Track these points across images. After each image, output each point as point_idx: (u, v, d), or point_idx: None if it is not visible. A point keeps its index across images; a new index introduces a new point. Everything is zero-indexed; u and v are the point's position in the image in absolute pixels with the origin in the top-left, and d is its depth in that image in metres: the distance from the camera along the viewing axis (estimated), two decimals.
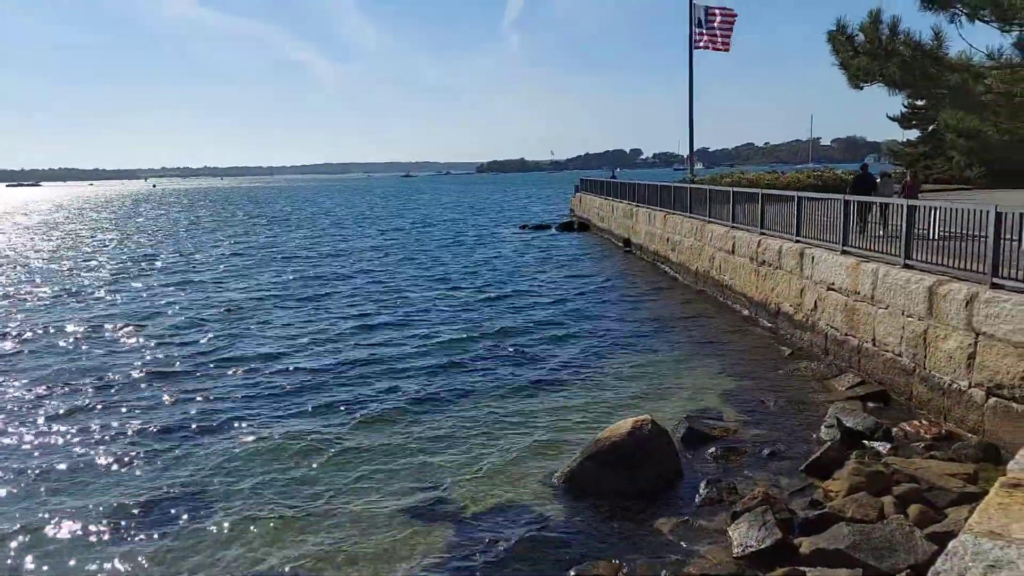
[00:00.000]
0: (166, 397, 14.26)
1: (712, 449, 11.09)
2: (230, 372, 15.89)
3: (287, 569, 8.31)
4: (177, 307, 23.80)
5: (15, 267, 35.55)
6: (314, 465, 11.02)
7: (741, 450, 11.12)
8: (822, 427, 11.65)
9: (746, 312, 20.23)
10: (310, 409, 13.47)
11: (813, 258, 16.27)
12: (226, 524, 9.32)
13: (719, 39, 37.22)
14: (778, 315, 18.10)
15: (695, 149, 45.03)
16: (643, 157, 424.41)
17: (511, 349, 17.61)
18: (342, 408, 13.48)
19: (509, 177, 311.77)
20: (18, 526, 9.42)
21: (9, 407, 13.92)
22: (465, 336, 18.91)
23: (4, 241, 51.09)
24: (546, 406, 13.48)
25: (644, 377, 15.16)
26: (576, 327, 19.96)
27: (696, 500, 9.52)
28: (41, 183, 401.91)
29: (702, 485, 9.75)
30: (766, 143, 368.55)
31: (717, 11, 37.33)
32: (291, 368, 16.08)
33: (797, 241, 17.48)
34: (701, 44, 37.58)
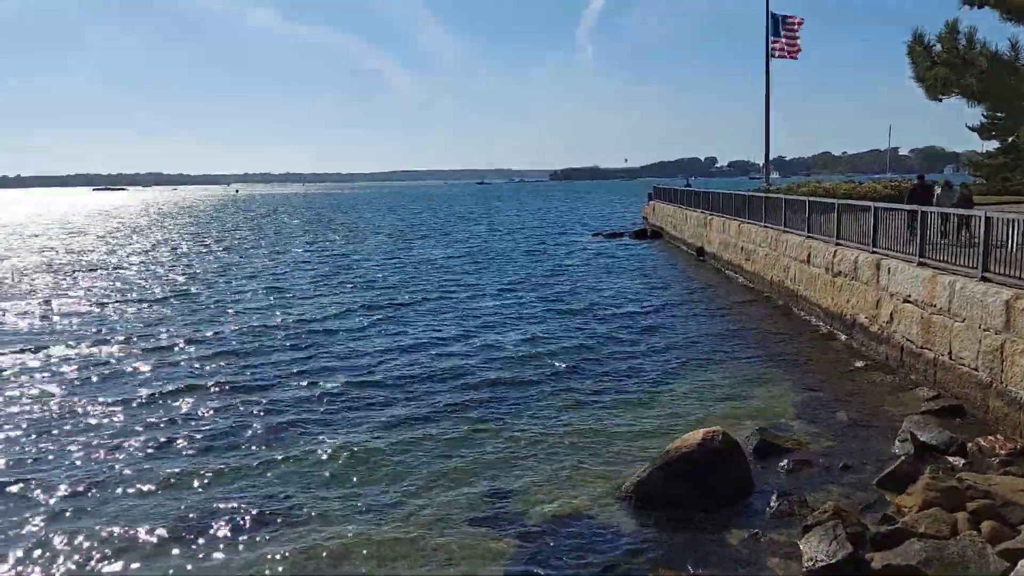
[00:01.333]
0: (241, 407, 14.50)
1: (783, 462, 11.07)
2: (304, 383, 16.03)
3: (358, 570, 8.63)
4: (257, 315, 24.34)
5: (99, 273, 37.01)
6: (384, 471, 11.28)
7: (813, 463, 11.07)
8: (896, 441, 11.50)
9: (820, 323, 19.97)
10: (384, 420, 13.66)
11: (889, 269, 16.01)
12: (299, 528, 9.66)
13: (792, 46, 36.79)
14: (853, 327, 17.83)
15: (771, 158, 44.42)
16: (718, 165, 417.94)
17: (583, 359, 17.71)
18: (415, 418, 13.68)
19: (582, 184, 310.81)
20: (105, 530, 9.84)
21: (78, 412, 14.51)
22: (538, 347, 18.99)
23: (86, 246, 53.29)
24: (616, 416, 13.57)
25: (716, 388, 15.14)
26: (647, 337, 19.99)
27: (767, 513, 9.54)
28: (127, 187, 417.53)
29: (773, 498, 9.76)
30: (843, 152, 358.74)
31: (791, 20, 36.89)
32: (365, 379, 16.25)
33: (873, 252, 17.21)
34: (777, 53, 37.17)
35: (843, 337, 18.35)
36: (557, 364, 17.21)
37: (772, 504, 9.64)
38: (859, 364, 16.20)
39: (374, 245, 50.68)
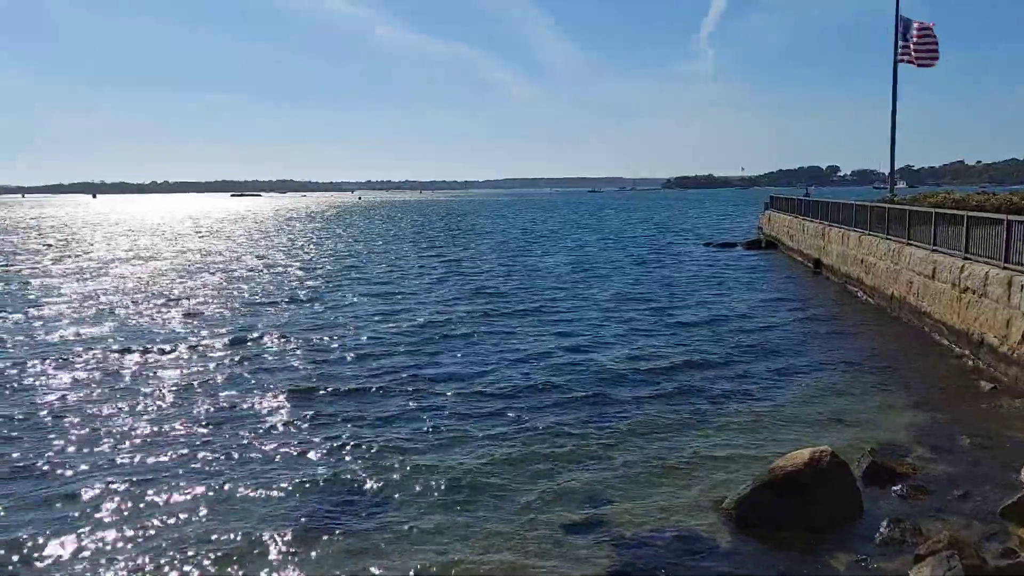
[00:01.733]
0: (344, 416, 14.56)
1: (897, 486, 10.51)
2: (410, 394, 16.08)
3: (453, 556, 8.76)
4: (366, 322, 24.79)
5: (226, 274, 38.74)
6: (487, 485, 11.26)
7: (929, 489, 10.47)
8: (1023, 470, 10.74)
9: (944, 341, 18.89)
10: (487, 434, 13.65)
11: (1023, 286, 14.99)
12: (403, 528, 9.85)
13: (924, 53, 34.98)
14: (980, 346, 16.78)
15: (898, 167, 42.33)
16: (840, 174, 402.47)
17: (688, 374, 17.34)
18: (518, 432, 13.60)
19: (696, 193, 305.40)
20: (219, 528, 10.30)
21: (191, 407, 15.21)
22: (644, 362, 18.55)
23: (220, 248, 55.95)
24: (720, 433, 13.20)
25: (826, 406, 14.53)
26: (755, 351, 19.40)
27: (876, 539, 9.07)
28: (261, 193, 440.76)
29: (883, 524, 9.28)
30: (978, 162, 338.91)
31: (925, 26, 35.12)
32: (470, 390, 16.13)
33: (1005, 268, 16.16)
34: (905, 58, 35.48)
35: (969, 357, 17.29)
36: (662, 380, 16.78)
37: (882, 530, 9.17)
38: (985, 386, 15.22)
39: (485, 252, 51.14)
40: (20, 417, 14.26)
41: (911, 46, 35.72)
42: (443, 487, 11.07)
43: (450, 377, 17.27)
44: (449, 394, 15.87)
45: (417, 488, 11.09)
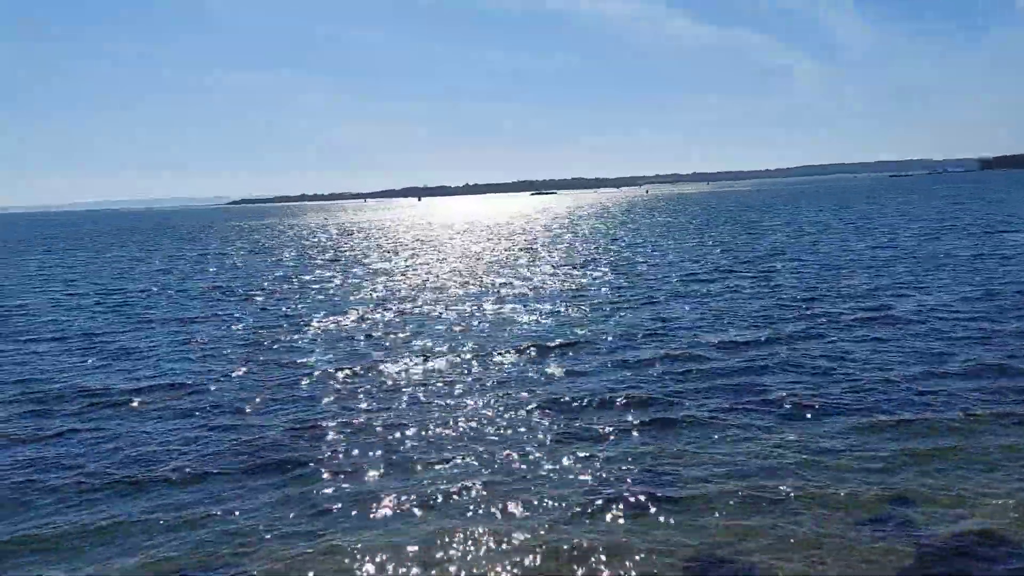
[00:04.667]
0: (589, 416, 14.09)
1: None
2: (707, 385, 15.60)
3: (750, 558, 8.59)
4: (643, 318, 23.90)
5: (509, 273, 39.02)
6: (772, 470, 10.90)
7: None
8: None
9: None
10: (814, 443, 13.04)
11: None
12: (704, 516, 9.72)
13: None
14: None
15: None
16: None
17: None
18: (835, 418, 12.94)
19: (1022, 174, 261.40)
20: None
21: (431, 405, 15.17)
22: (996, 379, 15.12)
23: (503, 248, 57.54)
24: None
25: None
26: None
27: None
28: (556, 192, 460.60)
29: None
30: None
31: None
32: (771, 394, 14.95)
33: None
34: None
35: None
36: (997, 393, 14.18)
37: None
38: None
39: (777, 243, 47.24)
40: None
41: None
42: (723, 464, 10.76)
43: (739, 387, 16.32)
44: (737, 401, 15.12)
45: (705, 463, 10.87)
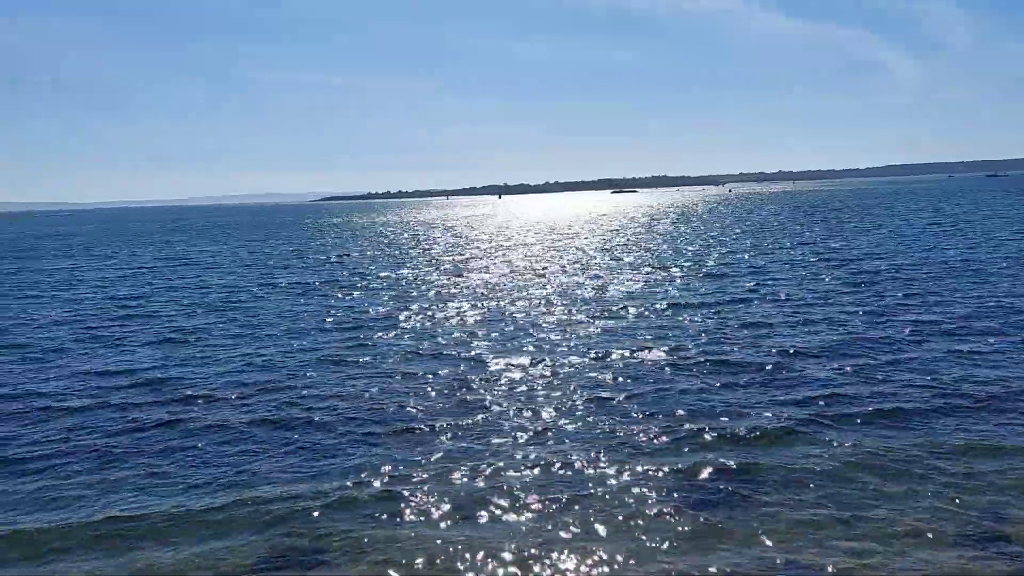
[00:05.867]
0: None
1: None
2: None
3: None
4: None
5: (583, 277, 38.78)
6: (877, 478, 10.52)
7: None
8: None
9: None
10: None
11: None
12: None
13: None
14: None
15: None
16: None
17: None
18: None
19: None
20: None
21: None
22: None
23: (581, 246, 57.06)
24: None
25: None
26: None
27: None
28: (638, 190, 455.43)
29: None
30: None
31: None
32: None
33: None
34: None
35: None
36: None
37: None
38: None
39: (879, 244, 44.79)
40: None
41: None
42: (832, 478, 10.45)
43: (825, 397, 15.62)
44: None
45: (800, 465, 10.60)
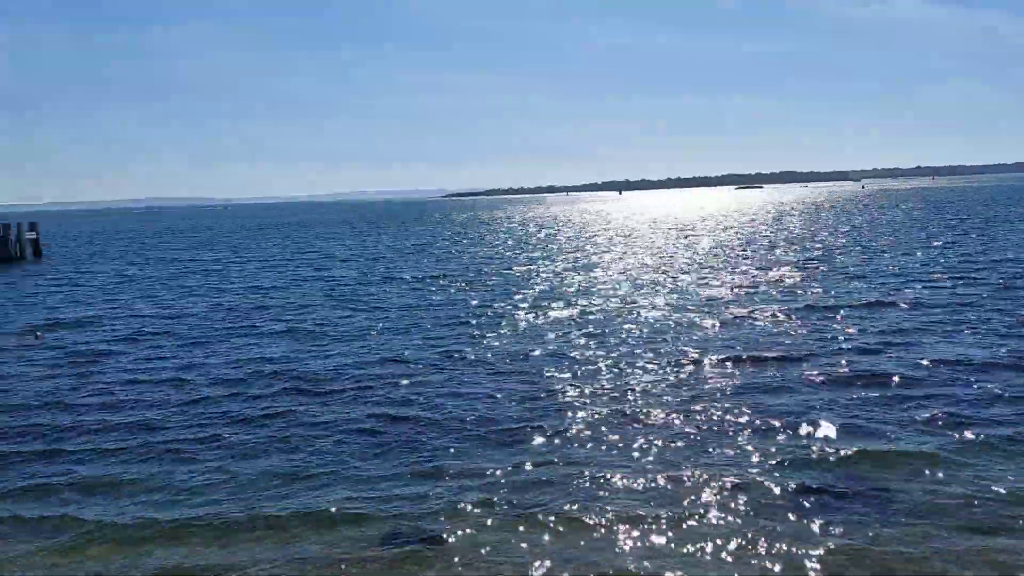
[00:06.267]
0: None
1: None
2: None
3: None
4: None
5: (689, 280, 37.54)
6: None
7: None
8: None
9: None
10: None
11: None
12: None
13: None
14: None
15: None
16: None
17: None
18: None
19: None
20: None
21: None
22: None
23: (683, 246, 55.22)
24: None
25: None
26: None
27: None
28: (762, 186, 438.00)
29: None
30: None
31: None
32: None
33: None
34: None
35: None
36: None
37: None
38: None
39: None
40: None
41: None
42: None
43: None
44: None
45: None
